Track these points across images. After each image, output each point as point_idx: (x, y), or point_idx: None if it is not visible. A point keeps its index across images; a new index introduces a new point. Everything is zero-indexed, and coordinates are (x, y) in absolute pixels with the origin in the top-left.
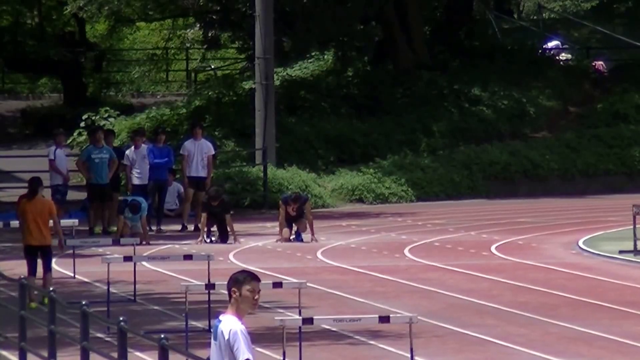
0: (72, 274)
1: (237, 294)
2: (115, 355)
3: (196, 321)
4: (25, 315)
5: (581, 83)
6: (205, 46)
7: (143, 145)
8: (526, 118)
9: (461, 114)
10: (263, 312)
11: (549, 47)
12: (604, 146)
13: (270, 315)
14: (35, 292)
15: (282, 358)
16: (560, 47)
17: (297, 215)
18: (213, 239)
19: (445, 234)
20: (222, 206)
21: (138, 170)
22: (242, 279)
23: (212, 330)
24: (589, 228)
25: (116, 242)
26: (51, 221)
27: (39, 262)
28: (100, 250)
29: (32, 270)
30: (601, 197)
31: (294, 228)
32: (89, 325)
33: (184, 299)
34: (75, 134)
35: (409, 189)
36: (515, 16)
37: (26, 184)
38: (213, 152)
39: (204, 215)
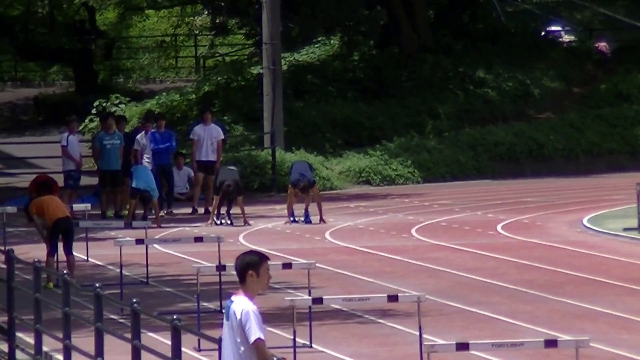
0: (86, 257)
1: (255, 276)
2: (128, 336)
3: (208, 302)
4: (40, 297)
5: (584, 64)
6: (213, 33)
7: (153, 130)
8: (530, 99)
9: (466, 96)
10: (273, 292)
11: (551, 29)
12: (607, 126)
13: (281, 295)
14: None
15: (292, 337)
16: (562, 30)
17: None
18: (223, 221)
19: (451, 214)
20: (235, 188)
21: (148, 155)
22: (258, 260)
23: (224, 310)
24: (594, 206)
25: (128, 225)
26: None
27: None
28: (113, 233)
29: (53, 250)
30: (605, 176)
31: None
32: (102, 307)
33: (195, 281)
34: (86, 120)
35: (416, 171)
36: None
37: (38, 170)
38: (222, 137)
39: (216, 197)
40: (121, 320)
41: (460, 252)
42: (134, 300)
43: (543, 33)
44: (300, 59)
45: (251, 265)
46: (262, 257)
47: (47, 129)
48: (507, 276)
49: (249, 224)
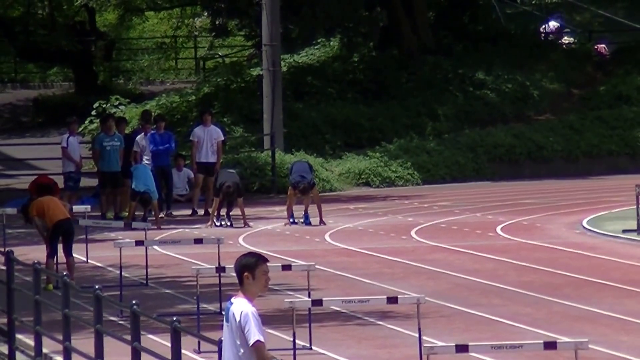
0: (85, 259)
1: (251, 277)
2: (128, 337)
3: (207, 304)
4: (39, 299)
5: (584, 66)
6: (213, 34)
7: (152, 131)
8: (530, 101)
9: (466, 98)
10: (273, 294)
11: (550, 28)
12: (606, 127)
13: (280, 297)
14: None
15: (292, 339)
16: (560, 28)
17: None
18: (223, 223)
19: (451, 216)
20: (235, 190)
21: (147, 157)
22: (254, 262)
23: (224, 312)
24: (593, 208)
25: (128, 226)
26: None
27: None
28: (112, 235)
29: (53, 252)
30: (604, 178)
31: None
32: (102, 308)
33: (195, 282)
34: (86, 122)
35: (415, 172)
36: (518, 1)
37: (38, 171)
38: (222, 138)
39: (216, 199)
40: (121, 322)
41: (460, 253)
42: (134, 302)
43: (543, 35)
44: (300, 61)
45: (247, 267)
46: (259, 259)
47: (47, 131)
48: (506, 278)
49: (249, 226)
